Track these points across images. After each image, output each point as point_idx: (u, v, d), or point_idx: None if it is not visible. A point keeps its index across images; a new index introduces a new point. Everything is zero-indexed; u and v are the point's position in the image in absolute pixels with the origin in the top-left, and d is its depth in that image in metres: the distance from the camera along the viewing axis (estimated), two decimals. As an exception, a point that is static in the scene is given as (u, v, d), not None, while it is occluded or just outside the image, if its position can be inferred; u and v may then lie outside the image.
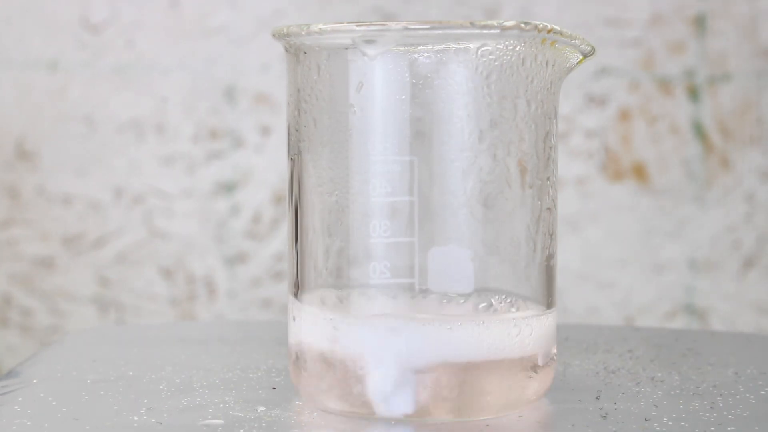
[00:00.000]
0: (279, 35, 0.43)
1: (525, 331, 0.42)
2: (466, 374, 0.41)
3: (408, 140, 0.41)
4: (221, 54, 0.82)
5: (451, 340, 0.41)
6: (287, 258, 0.46)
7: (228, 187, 0.83)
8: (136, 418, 0.42)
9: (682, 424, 0.42)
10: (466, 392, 0.41)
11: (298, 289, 0.44)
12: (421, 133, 0.41)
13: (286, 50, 0.44)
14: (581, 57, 0.44)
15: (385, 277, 0.42)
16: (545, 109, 0.43)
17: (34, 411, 0.43)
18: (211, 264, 0.83)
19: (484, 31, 0.41)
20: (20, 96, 0.83)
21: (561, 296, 0.81)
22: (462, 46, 0.41)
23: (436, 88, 0.41)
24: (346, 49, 0.41)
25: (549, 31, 0.42)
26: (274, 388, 0.46)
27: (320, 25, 0.42)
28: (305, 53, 0.43)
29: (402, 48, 0.41)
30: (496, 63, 0.41)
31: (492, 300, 0.42)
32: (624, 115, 0.82)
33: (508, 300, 0.43)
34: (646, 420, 0.42)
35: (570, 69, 0.44)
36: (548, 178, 0.43)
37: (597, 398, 0.45)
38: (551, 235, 0.44)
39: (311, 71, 0.43)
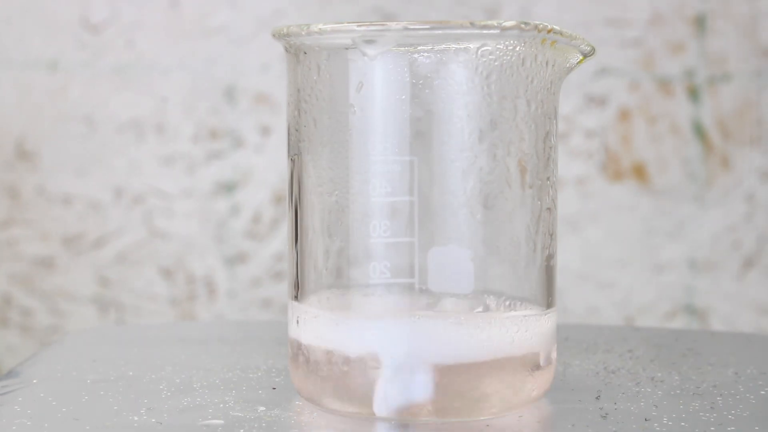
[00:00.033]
0: (279, 35, 0.43)
1: (525, 331, 0.42)
2: (466, 374, 0.41)
3: (408, 140, 0.41)
4: (221, 54, 0.82)
5: (451, 340, 0.41)
6: (287, 258, 0.46)
7: (228, 187, 0.83)
8: (136, 418, 0.42)
9: (682, 424, 0.42)
10: (466, 392, 0.41)
11: (298, 289, 0.44)
12: (421, 133, 0.41)
13: (286, 50, 0.44)
14: (581, 57, 0.44)
15: (385, 277, 0.42)
16: (545, 109, 0.43)
17: (34, 411, 0.43)
18: (211, 264, 0.83)
19: (484, 31, 0.41)
20: (20, 96, 0.83)
21: (561, 296, 0.81)
22: (462, 46, 0.41)
23: (436, 88, 0.41)
24: (346, 49, 0.41)
25: (549, 31, 0.42)
26: (274, 388, 0.46)
27: (320, 25, 0.42)
28: (305, 53, 0.43)
29: (402, 48, 0.41)
30: (496, 63, 0.41)
31: (492, 300, 0.42)
32: (624, 115, 0.82)
33: (508, 300, 0.43)
34: (646, 420, 0.42)
35: (570, 69, 0.44)
36: (548, 178, 0.43)
37: (597, 398, 0.45)
38: (551, 235, 0.44)
39: (311, 71, 0.43)
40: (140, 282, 0.84)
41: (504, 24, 0.41)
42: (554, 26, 0.42)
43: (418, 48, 0.41)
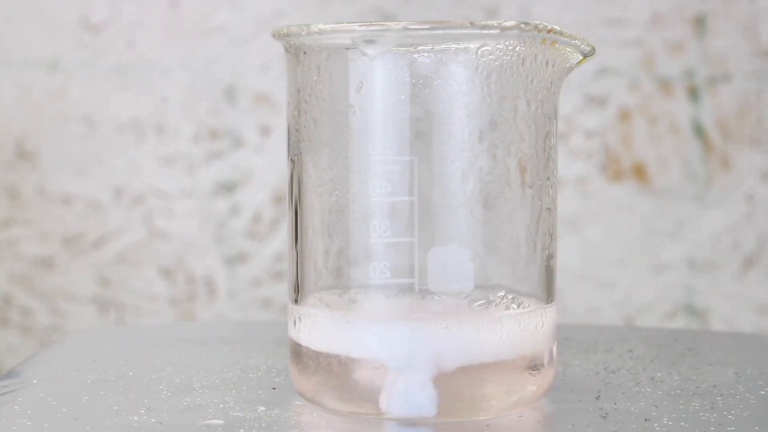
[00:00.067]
0: (279, 35, 0.43)
1: (524, 331, 0.42)
2: (465, 374, 0.41)
3: (408, 140, 0.41)
4: (221, 54, 0.82)
5: (451, 340, 0.41)
6: (287, 258, 0.46)
7: (228, 187, 0.83)
8: (136, 418, 0.42)
9: (682, 424, 0.42)
10: (466, 392, 0.41)
11: (298, 289, 0.44)
12: (421, 133, 0.41)
13: (286, 50, 0.44)
14: (581, 57, 0.44)
15: (385, 277, 0.42)
16: (545, 109, 0.43)
17: (34, 411, 0.43)
18: (211, 264, 0.83)
19: (484, 31, 0.41)
20: (20, 96, 0.83)
21: (561, 296, 0.81)
22: (462, 46, 0.41)
23: (436, 88, 0.41)
24: (346, 49, 0.41)
25: (549, 31, 0.42)
26: (274, 388, 0.46)
27: (320, 25, 0.42)
28: (305, 53, 0.43)
29: (402, 48, 0.41)
30: (496, 63, 0.41)
31: (492, 300, 0.42)
32: (624, 115, 0.82)
33: (508, 300, 0.43)
34: (646, 420, 0.42)
35: (570, 69, 0.44)
36: (548, 178, 0.43)
37: (597, 398, 0.45)
38: (551, 235, 0.44)
39: (311, 71, 0.43)
40: (140, 282, 0.84)
41: (504, 24, 0.41)
42: (554, 26, 0.42)
43: (418, 48, 0.41)
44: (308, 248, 0.43)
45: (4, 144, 0.83)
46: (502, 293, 0.43)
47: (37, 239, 0.83)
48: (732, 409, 0.43)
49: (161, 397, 0.45)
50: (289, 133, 0.44)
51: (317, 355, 0.43)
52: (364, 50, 0.41)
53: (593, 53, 0.44)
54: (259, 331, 0.58)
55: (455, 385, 0.41)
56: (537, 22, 0.41)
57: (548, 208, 0.43)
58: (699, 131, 0.82)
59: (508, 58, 0.42)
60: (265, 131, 0.83)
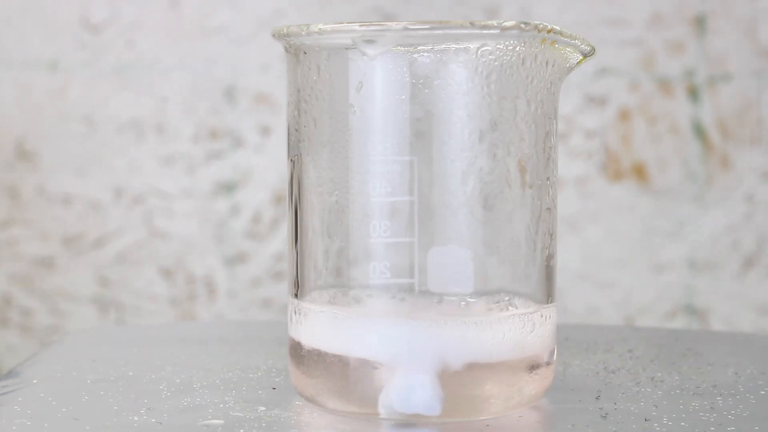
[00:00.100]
0: (279, 35, 0.43)
1: (524, 331, 0.42)
2: (465, 374, 0.41)
3: (408, 140, 0.41)
4: (221, 54, 0.82)
5: (451, 340, 0.41)
6: (287, 258, 0.46)
7: (228, 187, 0.83)
8: (136, 418, 0.42)
9: (682, 424, 0.42)
10: (467, 392, 0.41)
11: (298, 289, 0.44)
12: (421, 133, 0.41)
13: (286, 50, 0.44)
14: (581, 57, 0.44)
15: (385, 277, 0.42)
16: (545, 109, 0.43)
17: (34, 411, 0.43)
18: (211, 264, 0.83)
19: (484, 31, 0.41)
20: (20, 96, 0.83)
21: (561, 296, 0.81)
22: (462, 46, 0.41)
23: (436, 88, 0.41)
24: (346, 49, 0.41)
25: (549, 31, 0.42)
26: (274, 388, 0.46)
27: (320, 25, 0.42)
28: (305, 53, 0.43)
29: (402, 48, 0.41)
30: (496, 63, 0.41)
31: (492, 300, 0.42)
32: (624, 115, 0.82)
33: (508, 300, 0.43)
34: (646, 420, 0.42)
35: (570, 69, 0.44)
36: (548, 178, 0.43)
37: (597, 398, 0.45)
38: (551, 235, 0.44)
39: (311, 71, 0.43)
40: (140, 282, 0.84)
41: (504, 24, 0.41)
42: (554, 26, 0.42)
43: (418, 48, 0.41)
44: (308, 248, 0.43)
45: (4, 144, 0.83)
46: (502, 293, 0.43)
47: (37, 239, 0.83)
48: (732, 409, 0.43)
49: (161, 397, 0.45)
50: (289, 133, 0.44)
51: (317, 355, 0.43)
52: (364, 50, 0.41)
53: (593, 53, 0.44)
54: (259, 331, 0.58)
55: (455, 385, 0.41)
56: (537, 22, 0.41)
57: (548, 208, 0.43)
58: (699, 131, 0.82)
59: (508, 58, 0.42)
60: (265, 131, 0.83)
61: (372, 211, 0.42)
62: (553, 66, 0.43)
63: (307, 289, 0.43)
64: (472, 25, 0.41)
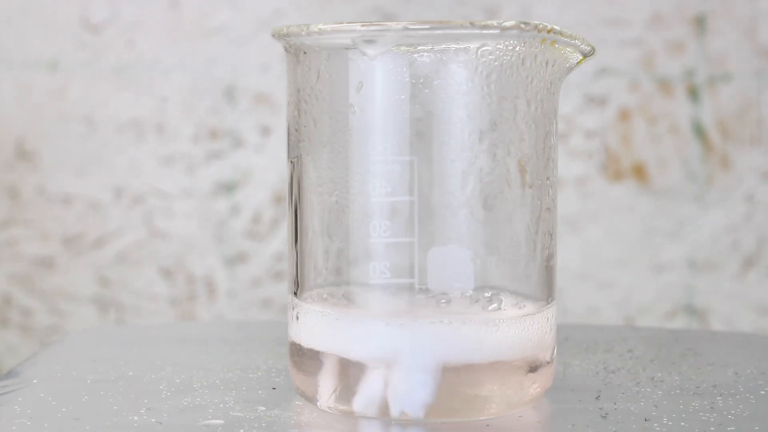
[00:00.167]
0: (279, 35, 0.43)
1: (525, 331, 0.42)
2: (465, 374, 0.41)
3: (408, 140, 0.41)
4: (221, 54, 0.82)
5: (451, 340, 0.41)
6: (287, 258, 0.46)
7: (228, 187, 0.83)
8: (136, 418, 0.42)
9: (682, 424, 0.42)
10: (467, 392, 0.41)
11: (298, 288, 0.44)
12: (421, 133, 0.41)
13: (286, 50, 0.44)
14: (581, 57, 0.44)
15: (385, 277, 0.42)
16: (545, 109, 0.43)
17: (34, 411, 0.43)
18: (211, 264, 0.83)
19: (484, 31, 0.41)
20: (20, 96, 0.83)
21: (561, 296, 0.81)
22: (462, 46, 0.41)
23: (436, 88, 0.41)
24: (346, 49, 0.41)
25: (549, 31, 0.42)
26: (274, 388, 0.46)
27: (320, 25, 0.42)
28: (305, 53, 0.43)
29: (402, 48, 0.41)
30: (496, 63, 0.41)
31: (491, 300, 0.42)
32: (624, 115, 0.82)
33: (508, 300, 0.43)
34: (646, 420, 0.42)
35: (570, 69, 0.44)
36: (548, 178, 0.43)
37: (597, 398, 0.45)
38: (551, 235, 0.44)
39: (311, 71, 0.43)
40: (140, 282, 0.84)
41: (504, 24, 0.41)
42: (554, 26, 0.42)
43: (418, 48, 0.41)
44: (308, 248, 0.43)
45: (4, 144, 0.83)
46: (502, 293, 0.43)
47: (37, 239, 0.83)
48: (732, 409, 0.43)
49: (161, 397, 0.45)
50: (289, 133, 0.44)
51: (317, 355, 0.43)
52: (364, 50, 0.41)
53: (593, 53, 0.44)
54: (259, 331, 0.58)
55: (455, 384, 0.41)
56: (537, 22, 0.41)
57: (548, 208, 0.43)
58: (699, 131, 0.82)
59: (508, 58, 0.42)
60: (265, 131, 0.83)
61: (372, 211, 0.42)
62: (553, 66, 0.43)
63: (307, 289, 0.44)
64: (472, 25, 0.41)
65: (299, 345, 0.43)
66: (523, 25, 0.41)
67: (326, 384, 0.42)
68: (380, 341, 0.41)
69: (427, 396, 0.41)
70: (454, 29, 0.41)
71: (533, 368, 0.43)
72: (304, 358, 0.43)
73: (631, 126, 0.82)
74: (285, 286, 0.82)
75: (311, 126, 0.43)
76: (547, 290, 0.44)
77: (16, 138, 0.83)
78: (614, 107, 0.82)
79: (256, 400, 0.44)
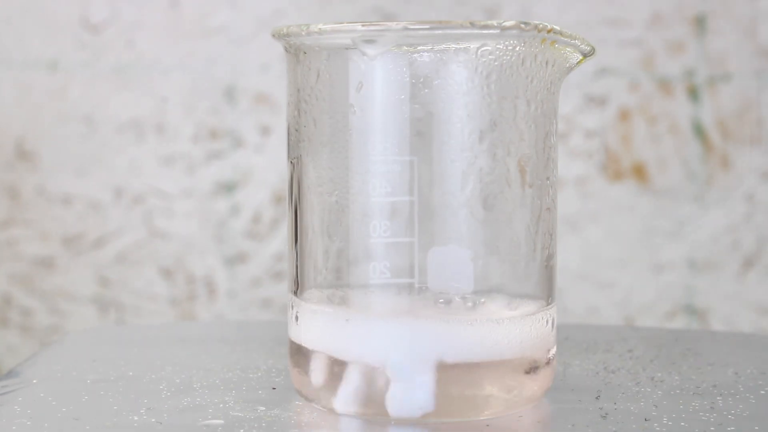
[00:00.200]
0: (279, 35, 0.43)
1: (525, 331, 0.42)
2: (465, 374, 0.41)
3: (408, 140, 0.41)
4: (221, 54, 0.82)
5: (451, 340, 0.41)
6: (287, 258, 0.46)
7: (228, 187, 0.83)
8: (136, 418, 0.42)
9: (682, 424, 0.42)
10: (467, 392, 0.41)
11: (298, 288, 0.44)
12: (421, 133, 0.41)
13: (286, 50, 0.44)
14: (581, 57, 0.44)
15: (385, 277, 0.42)
16: (545, 109, 0.43)
17: (34, 411, 0.43)
18: (211, 264, 0.83)
19: (484, 31, 0.41)
20: (20, 96, 0.83)
21: (561, 296, 0.81)
22: (462, 46, 0.41)
23: (436, 88, 0.41)
24: (346, 49, 0.41)
25: (549, 31, 0.42)
26: (274, 388, 0.46)
27: (320, 25, 0.42)
28: (305, 53, 0.43)
29: (402, 48, 0.41)
30: (496, 63, 0.41)
31: (491, 300, 0.42)
32: (624, 115, 0.82)
33: (508, 300, 0.43)
34: (646, 420, 0.42)
35: (570, 69, 0.44)
36: (548, 178, 0.43)
37: (597, 398, 0.45)
38: (551, 235, 0.44)
39: (311, 71, 0.43)
40: (140, 282, 0.84)
41: (504, 24, 0.41)
42: (554, 26, 0.42)
43: (418, 48, 0.41)
44: (308, 248, 0.43)
45: (4, 144, 0.83)
46: (502, 293, 0.43)
47: (37, 239, 0.83)
48: (732, 409, 0.43)
49: (161, 397, 0.45)
50: (289, 133, 0.44)
51: (317, 355, 0.43)
52: (364, 50, 0.41)
53: (593, 53, 0.44)
54: (259, 331, 0.58)
55: (455, 384, 0.41)
56: (537, 22, 0.41)
57: (548, 208, 0.43)
58: (699, 131, 0.82)
59: (508, 58, 0.42)
60: (265, 131, 0.83)
61: (372, 211, 0.42)
62: (553, 66, 0.43)
63: (307, 289, 0.43)
64: (472, 25, 0.41)
65: (299, 345, 0.43)
66: (523, 25, 0.41)
67: (326, 384, 0.42)
68: (380, 341, 0.41)
69: (427, 396, 0.41)
70: (454, 29, 0.41)
71: (533, 368, 0.43)
72: (304, 358, 0.43)
73: (631, 126, 0.82)
74: (285, 286, 0.82)
75: (311, 126, 0.43)
76: (547, 290, 0.44)
77: (16, 138, 0.83)
78: (614, 107, 0.82)
79: (256, 400, 0.44)
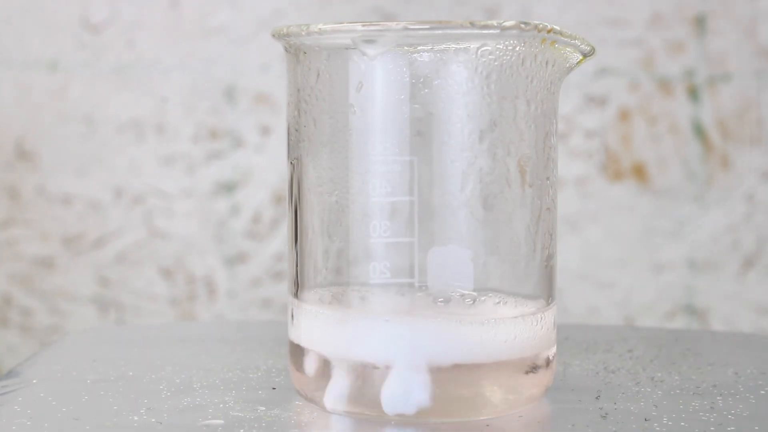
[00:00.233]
0: (279, 35, 0.43)
1: (525, 331, 0.42)
2: (465, 374, 0.41)
3: (408, 140, 0.41)
4: (221, 54, 0.82)
5: (451, 340, 0.41)
6: (287, 258, 0.46)
7: (228, 187, 0.83)
8: (136, 418, 0.42)
9: (682, 424, 0.42)
10: (466, 392, 0.41)
11: (298, 288, 0.44)
12: (421, 133, 0.41)
13: (286, 50, 0.44)
14: (581, 57, 0.44)
15: (385, 277, 0.42)
16: (545, 109, 0.43)
17: (34, 411, 0.43)
18: (211, 264, 0.83)
19: (484, 31, 0.41)
20: (20, 96, 0.83)
21: (561, 296, 0.81)
22: (462, 46, 0.41)
23: (436, 88, 0.41)
24: (346, 49, 0.41)
25: (549, 31, 0.42)
26: (274, 388, 0.46)
27: (320, 25, 0.42)
28: (305, 53, 0.43)
29: (402, 48, 0.41)
30: (496, 63, 0.41)
31: (491, 300, 0.42)
32: (624, 115, 0.82)
33: (508, 300, 0.43)
34: (646, 420, 0.42)
35: (570, 69, 0.44)
36: (548, 178, 0.43)
37: (597, 398, 0.45)
38: (551, 235, 0.44)
39: (311, 71, 0.43)
40: (140, 282, 0.84)
41: (504, 24, 0.41)
42: (554, 26, 0.42)
43: (418, 48, 0.41)
44: (308, 248, 0.43)
45: (4, 144, 0.83)
46: (502, 293, 0.43)
47: (37, 239, 0.83)
48: (732, 409, 0.43)
49: (161, 397, 0.45)
50: (289, 133, 0.44)
51: (317, 355, 0.43)
52: (364, 50, 0.41)
53: (593, 53, 0.44)
54: (259, 331, 0.58)
55: (455, 384, 0.41)
56: (537, 22, 0.41)
57: (548, 208, 0.43)
58: (699, 131, 0.82)
59: (508, 58, 0.42)
60: (265, 131, 0.83)
61: (372, 211, 0.42)
62: (553, 66, 0.43)
63: (306, 289, 0.43)
64: (472, 25, 0.41)
65: (299, 345, 0.43)
66: (523, 25, 0.41)
67: (326, 384, 0.42)
68: (380, 341, 0.41)
69: (427, 396, 0.41)
70: (454, 29, 0.41)
71: (533, 368, 0.43)
72: (304, 358, 0.43)
73: (631, 126, 0.82)
74: (285, 286, 0.82)
75: (311, 126, 0.43)
76: (547, 290, 0.44)
77: (16, 138, 0.83)
78: (614, 107, 0.82)
79: (256, 400, 0.44)
